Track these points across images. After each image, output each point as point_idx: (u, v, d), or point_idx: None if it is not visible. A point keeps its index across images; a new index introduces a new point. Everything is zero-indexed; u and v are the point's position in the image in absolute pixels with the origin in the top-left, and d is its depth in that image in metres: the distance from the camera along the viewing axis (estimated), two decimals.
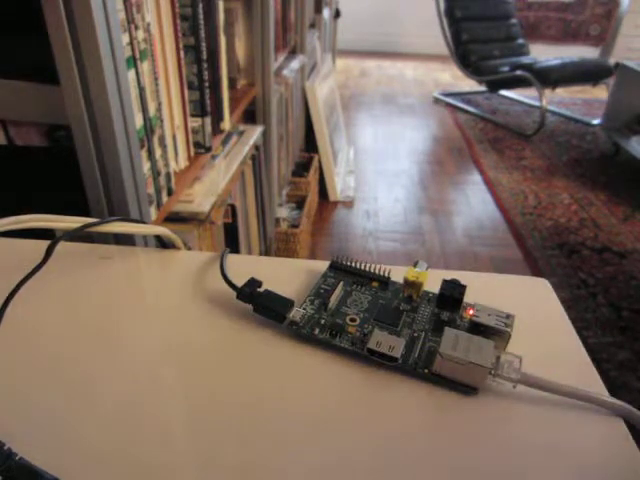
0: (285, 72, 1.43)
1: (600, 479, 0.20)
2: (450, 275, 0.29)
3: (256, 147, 1.06)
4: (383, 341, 0.24)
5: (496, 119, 2.87)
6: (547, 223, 1.78)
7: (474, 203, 1.95)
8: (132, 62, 0.46)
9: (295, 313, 0.26)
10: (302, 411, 0.22)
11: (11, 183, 0.49)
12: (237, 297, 0.27)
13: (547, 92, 2.60)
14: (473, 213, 1.87)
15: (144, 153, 0.50)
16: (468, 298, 0.26)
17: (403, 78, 3.87)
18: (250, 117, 1.15)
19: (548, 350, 0.26)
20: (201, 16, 0.63)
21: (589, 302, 1.37)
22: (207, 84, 0.67)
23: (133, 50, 0.45)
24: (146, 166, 0.51)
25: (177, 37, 0.58)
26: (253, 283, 0.28)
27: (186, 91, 0.62)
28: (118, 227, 0.31)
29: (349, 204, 1.89)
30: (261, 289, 0.27)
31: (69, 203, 0.45)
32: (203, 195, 0.78)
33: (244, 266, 0.31)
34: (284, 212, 1.51)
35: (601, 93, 3.17)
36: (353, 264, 0.29)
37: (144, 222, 0.33)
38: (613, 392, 1.07)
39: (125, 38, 0.43)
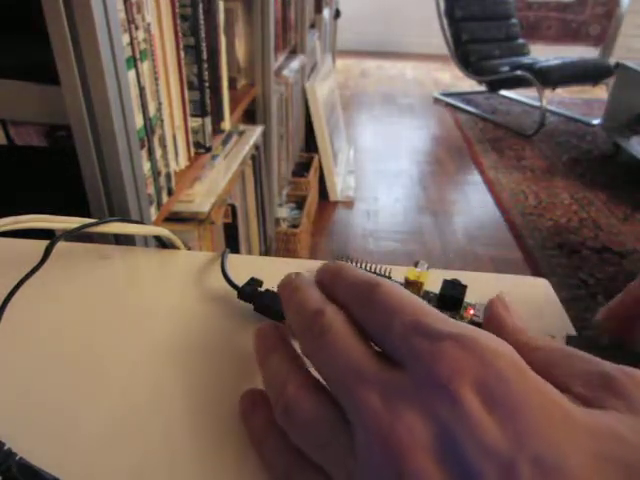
0: (285, 72, 1.43)
1: None
2: (451, 275, 0.29)
3: (256, 147, 1.06)
4: None
5: (496, 119, 2.88)
6: (547, 223, 1.78)
7: (474, 203, 1.95)
8: (132, 62, 0.46)
9: None
10: None
11: (11, 183, 0.49)
12: (238, 296, 0.27)
13: (547, 92, 2.60)
14: (473, 213, 1.87)
15: (144, 153, 0.50)
16: (469, 298, 0.26)
17: (403, 78, 3.87)
18: (250, 117, 1.15)
19: None
20: (201, 16, 0.63)
21: (589, 302, 1.37)
22: (207, 84, 0.67)
23: (133, 50, 0.45)
24: (146, 166, 0.51)
25: (177, 37, 0.58)
26: (254, 282, 0.28)
27: (186, 91, 0.62)
28: (117, 227, 0.31)
29: (349, 204, 1.89)
30: (262, 289, 0.27)
31: (69, 203, 0.45)
32: (203, 195, 0.78)
33: (244, 266, 0.30)
34: (284, 212, 1.51)
35: (601, 93, 3.18)
36: (354, 264, 0.29)
37: (143, 222, 0.33)
38: None
39: (125, 38, 0.43)
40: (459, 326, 0.16)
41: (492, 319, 0.22)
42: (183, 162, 0.65)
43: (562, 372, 0.16)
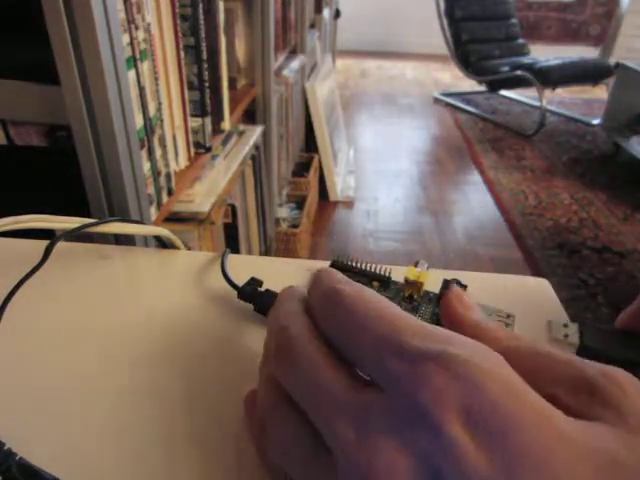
0: (285, 72, 1.43)
1: None
2: (451, 275, 0.29)
3: (256, 147, 1.06)
4: None
5: (496, 119, 2.88)
6: (547, 223, 1.78)
7: (474, 203, 1.95)
8: (132, 62, 0.46)
9: None
10: None
11: (11, 183, 0.49)
12: (238, 296, 0.27)
13: (547, 92, 2.60)
14: (473, 213, 1.87)
15: (144, 153, 0.50)
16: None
17: (403, 78, 3.87)
18: (250, 117, 1.15)
19: None
20: (201, 16, 0.63)
21: (589, 302, 1.37)
22: (207, 84, 0.67)
23: (133, 50, 0.45)
24: (146, 166, 0.51)
25: (177, 37, 0.58)
26: (254, 283, 0.28)
27: (186, 91, 0.62)
28: (117, 228, 0.31)
29: (349, 204, 1.89)
30: (262, 289, 0.27)
31: (69, 203, 0.45)
32: (203, 195, 0.78)
33: (244, 266, 0.30)
34: (284, 212, 1.51)
35: (601, 93, 3.17)
36: (354, 264, 0.29)
37: (143, 222, 0.33)
38: None
39: (125, 38, 0.43)
40: (438, 340, 0.14)
41: (450, 319, 0.19)
42: (183, 162, 0.65)
43: (544, 378, 0.15)
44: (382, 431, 0.13)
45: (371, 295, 0.16)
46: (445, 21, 2.98)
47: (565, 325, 0.26)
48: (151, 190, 0.53)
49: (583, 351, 0.18)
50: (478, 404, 0.13)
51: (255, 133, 1.05)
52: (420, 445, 0.13)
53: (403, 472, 0.12)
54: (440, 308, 0.20)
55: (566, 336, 0.25)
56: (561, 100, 3.24)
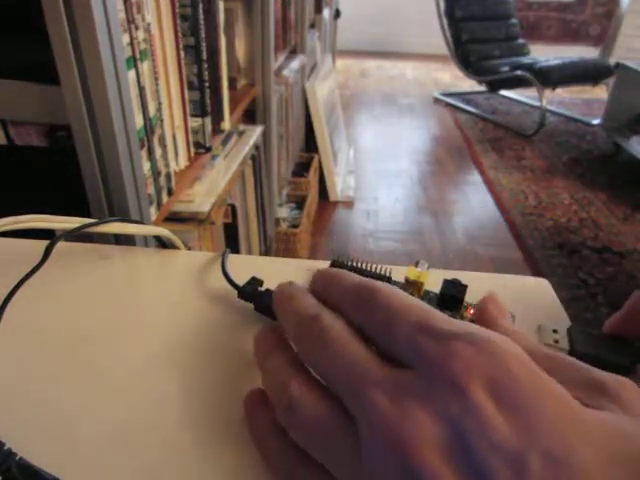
0: (285, 72, 1.43)
1: None
2: (451, 275, 0.29)
3: (256, 147, 1.06)
4: None
5: (496, 119, 2.87)
6: (547, 223, 1.78)
7: (474, 203, 1.95)
8: (132, 62, 0.46)
9: None
10: None
11: (11, 183, 0.49)
12: (238, 296, 0.27)
13: (547, 92, 2.60)
14: (473, 213, 1.87)
15: (144, 153, 0.50)
16: (469, 298, 0.26)
17: (403, 78, 3.87)
18: (250, 117, 1.15)
19: None
20: (201, 16, 0.63)
21: (589, 302, 1.37)
22: (207, 84, 0.67)
23: (133, 50, 0.45)
24: (146, 166, 0.51)
25: (177, 37, 0.58)
26: (254, 282, 0.28)
27: (186, 91, 0.62)
28: (117, 228, 0.31)
29: (349, 204, 1.89)
30: (262, 288, 0.27)
31: (69, 203, 0.45)
32: (203, 195, 0.78)
33: (244, 266, 0.30)
34: (284, 212, 1.51)
35: (601, 93, 3.17)
36: (354, 263, 0.29)
37: (143, 222, 0.33)
38: None
39: (125, 38, 0.43)
40: (466, 326, 0.16)
41: (484, 318, 0.22)
42: (183, 162, 0.65)
43: (556, 377, 0.16)
44: (413, 399, 0.14)
45: (401, 291, 0.18)
46: (445, 21, 2.98)
47: (555, 331, 0.26)
48: (151, 190, 0.53)
49: (573, 356, 0.18)
50: (503, 379, 0.14)
51: (255, 133, 1.05)
52: (447, 409, 0.14)
53: (431, 433, 0.14)
54: (476, 307, 0.23)
55: (556, 341, 0.25)
56: (561, 100, 3.24)
